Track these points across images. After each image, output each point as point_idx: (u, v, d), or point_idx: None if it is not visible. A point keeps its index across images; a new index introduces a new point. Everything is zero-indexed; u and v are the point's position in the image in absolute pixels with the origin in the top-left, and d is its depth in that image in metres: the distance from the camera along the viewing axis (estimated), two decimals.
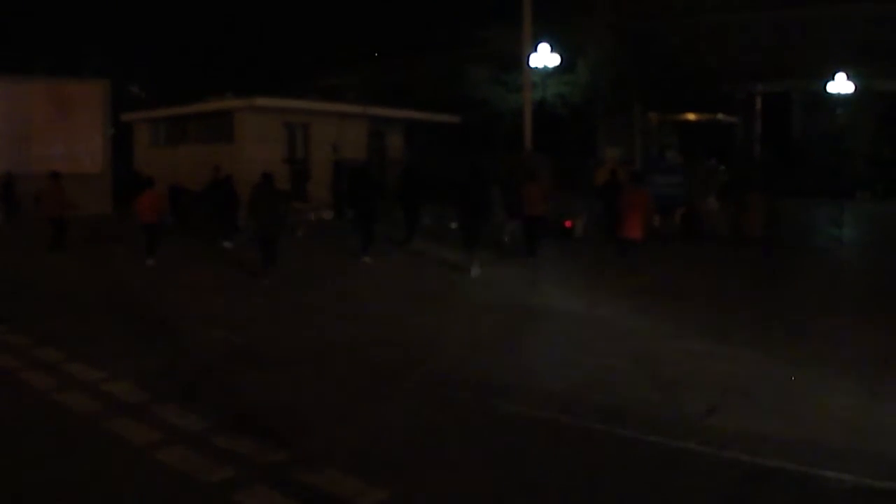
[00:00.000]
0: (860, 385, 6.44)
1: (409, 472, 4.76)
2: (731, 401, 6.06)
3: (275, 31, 37.51)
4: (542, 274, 13.08)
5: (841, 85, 31.91)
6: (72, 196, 15.54)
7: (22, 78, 23.79)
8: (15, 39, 30.86)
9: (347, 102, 27.34)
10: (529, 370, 7.11)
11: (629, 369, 7.04)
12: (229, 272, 12.93)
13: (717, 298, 10.46)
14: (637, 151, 17.91)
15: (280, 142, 23.55)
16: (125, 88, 33.61)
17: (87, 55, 32.32)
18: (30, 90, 23.19)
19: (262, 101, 22.76)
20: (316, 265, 14.09)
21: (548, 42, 24.07)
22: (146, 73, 36.28)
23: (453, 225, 17.53)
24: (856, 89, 31.81)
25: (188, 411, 5.77)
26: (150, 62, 35.24)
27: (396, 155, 26.43)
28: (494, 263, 13.38)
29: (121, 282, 12.17)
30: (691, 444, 5.12)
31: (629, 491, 4.55)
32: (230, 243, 15.78)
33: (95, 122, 24.02)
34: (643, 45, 32.81)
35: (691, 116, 21.30)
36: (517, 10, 19.60)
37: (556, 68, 26.08)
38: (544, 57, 24.15)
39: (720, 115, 23.08)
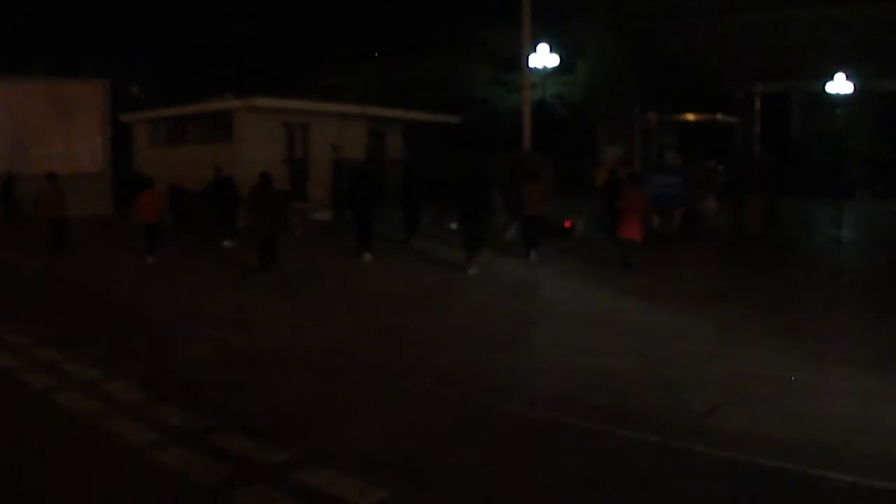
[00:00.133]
0: (860, 385, 6.44)
1: (410, 473, 4.76)
2: (731, 401, 6.06)
3: (275, 31, 37.46)
4: (541, 274, 13.08)
5: (840, 85, 31.90)
6: (67, 198, 15.52)
7: (21, 78, 23.76)
8: (14, 39, 30.83)
9: (347, 103, 27.32)
10: (529, 370, 7.11)
11: (629, 369, 7.04)
12: (229, 272, 12.93)
13: (716, 298, 10.45)
14: (636, 152, 17.91)
15: (279, 142, 23.55)
16: (125, 89, 33.59)
17: (87, 55, 32.29)
18: (29, 90, 23.16)
19: (261, 102, 22.75)
20: (315, 265, 14.08)
21: (547, 42, 24.07)
22: (146, 73, 36.25)
23: (453, 225, 17.53)
24: (855, 89, 31.80)
25: (188, 411, 5.77)
26: (149, 62, 35.20)
27: (396, 155, 26.43)
28: (495, 263, 13.38)
29: (121, 281, 12.17)
30: (691, 444, 5.12)
31: (629, 491, 4.55)
32: (230, 242, 15.80)
33: (95, 122, 23.99)
34: (642, 46, 32.78)
35: (691, 117, 21.31)
36: (517, 10, 19.58)
37: (555, 68, 26.08)
38: (544, 57, 24.15)
39: (719, 116, 23.07)
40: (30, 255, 15.17)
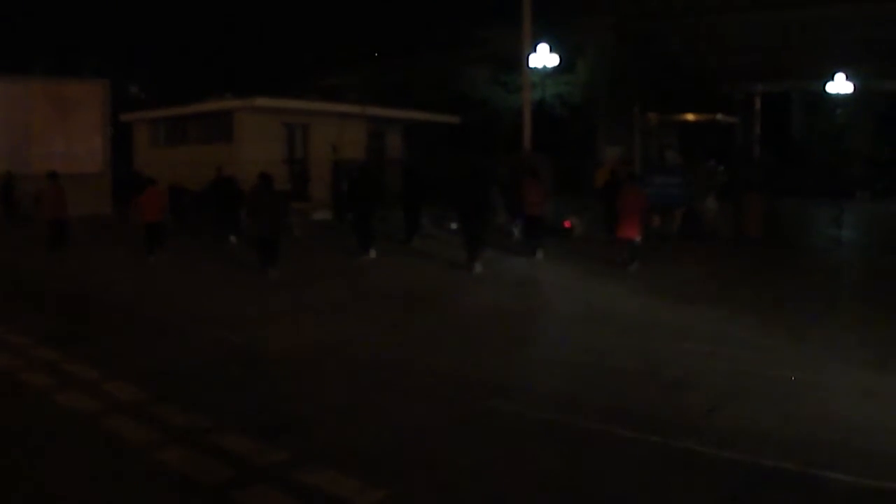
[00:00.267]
0: (860, 384, 6.44)
1: (409, 472, 4.76)
2: (731, 400, 6.06)
3: (274, 31, 37.51)
4: (542, 273, 13.09)
5: (840, 85, 31.91)
6: (68, 196, 15.54)
7: (22, 78, 23.78)
8: (14, 39, 30.85)
9: (347, 102, 27.33)
10: (530, 369, 7.11)
11: (630, 368, 7.04)
12: (229, 272, 12.93)
13: (716, 298, 10.45)
14: (636, 152, 17.90)
15: (279, 142, 23.56)
16: (125, 89, 33.62)
17: (87, 55, 32.31)
18: (29, 90, 23.18)
19: (261, 102, 22.76)
20: (316, 265, 14.09)
21: (547, 42, 24.07)
22: (146, 73, 36.28)
23: (453, 225, 17.55)
24: (855, 89, 31.81)
25: (188, 411, 5.77)
26: (149, 62, 35.23)
27: (396, 155, 26.43)
28: (496, 263, 13.39)
29: (121, 281, 12.17)
30: (691, 443, 5.12)
31: (629, 491, 4.55)
32: (235, 238, 15.91)
33: (95, 122, 24.01)
34: (642, 46, 32.82)
35: (691, 117, 21.27)
36: (517, 10, 19.60)
37: (555, 68, 26.08)
38: (544, 57, 24.15)
39: (720, 116, 23.04)
40: (30, 254, 15.18)
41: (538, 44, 23.46)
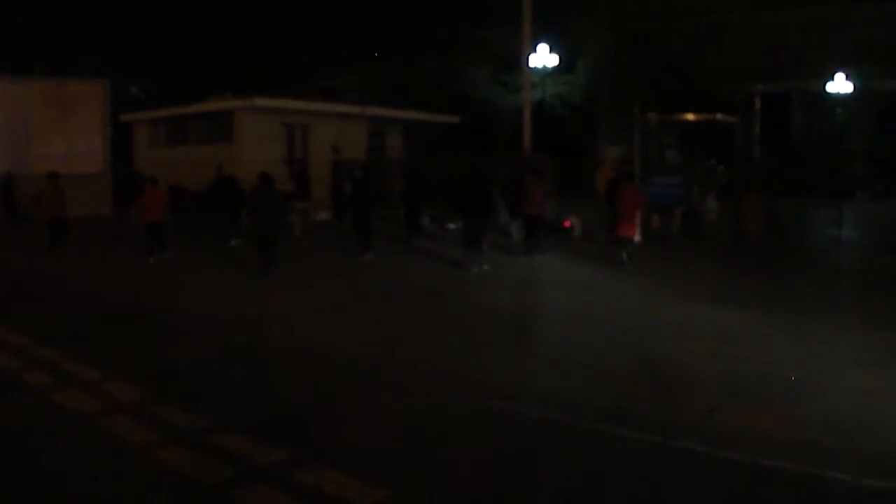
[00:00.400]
0: (860, 384, 6.44)
1: (409, 472, 4.76)
2: (731, 400, 6.06)
3: (275, 31, 37.49)
4: (541, 273, 13.09)
5: (840, 85, 31.92)
6: (68, 197, 15.55)
7: (22, 78, 23.78)
8: (14, 39, 30.85)
9: (347, 103, 27.31)
10: (529, 369, 7.10)
11: (630, 368, 7.05)
12: (228, 272, 12.93)
13: (716, 298, 10.44)
14: (636, 151, 17.89)
15: (279, 142, 23.54)
16: (125, 89, 33.60)
17: (87, 55, 32.30)
18: (29, 90, 23.18)
19: (261, 102, 22.75)
20: (316, 265, 14.09)
21: (547, 42, 24.07)
22: (146, 73, 36.26)
23: (452, 225, 17.56)
24: (855, 89, 31.82)
25: (188, 411, 5.78)
26: (149, 62, 35.21)
27: (396, 155, 26.42)
28: (495, 262, 13.38)
29: (121, 281, 12.18)
30: (691, 444, 5.12)
31: (629, 491, 4.55)
32: (236, 241, 15.89)
33: (95, 122, 24.01)
34: (642, 45, 32.83)
35: (691, 116, 21.28)
36: (517, 10, 19.60)
37: (555, 68, 26.09)
38: (544, 57, 24.15)
39: (719, 115, 23.05)
40: (30, 254, 15.17)
41: (538, 44, 23.47)
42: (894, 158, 30.65)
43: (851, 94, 31.96)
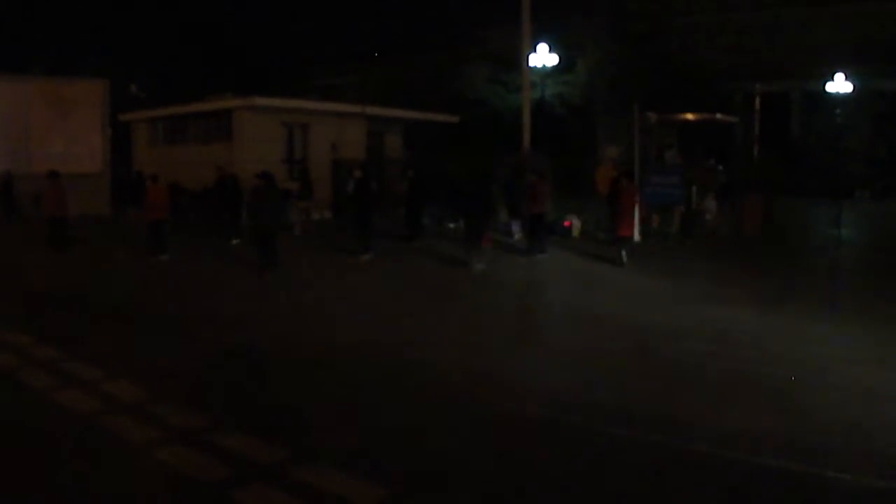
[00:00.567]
0: (860, 384, 6.45)
1: (409, 472, 4.76)
2: (731, 400, 6.07)
3: (274, 31, 37.46)
4: (541, 272, 13.09)
5: (840, 85, 31.91)
6: (69, 196, 15.53)
7: (21, 77, 23.73)
8: (14, 39, 30.80)
9: (346, 102, 27.29)
10: (529, 369, 7.11)
11: (630, 368, 7.05)
12: (228, 271, 12.92)
13: (716, 297, 10.45)
14: (636, 151, 17.89)
15: (279, 141, 23.52)
16: (124, 88, 33.55)
17: (86, 55, 32.25)
18: (28, 90, 23.12)
19: (260, 101, 22.73)
20: (316, 264, 14.07)
21: (546, 42, 24.04)
22: (145, 72, 36.21)
23: (451, 224, 17.55)
24: (854, 89, 31.81)
25: (188, 411, 5.77)
26: (149, 62, 35.18)
27: (395, 154, 26.41)
28: (496, 262, 13.39)
29: (120, 281, 12.16)
30: (691, 443, 5.12)
31: (629, 491, 4.55)
32: (237, 241, 15.89)
33: (94, 121, 23.95)
34: (642, 45, 32.83)
35: (690, 116, 21.30)
36: (516, 9, 19.59)
37: (554, 68, 26.06)
38: (543, 56, 24.12)
39: (719, 115, 23.08)
40: (30, 254, 15.15)
41: (538, 43, 23.44)
42: (893, 158, 30.67)
43: (851, 94, 31.96)
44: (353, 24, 37.36)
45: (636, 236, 15.20)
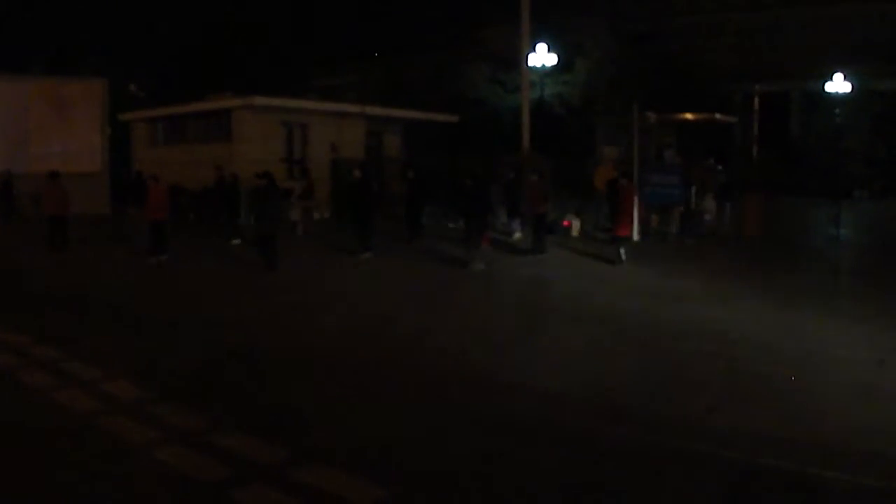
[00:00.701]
0: (860, 384, 6.45)
1: (409, 472, 4.76)
2: (730, 400, 6.07)
3: (274, 31, 37.44)
4: (541, 272, 13.08)
5: (839, 85, 31.92)
6: (70, 195, 15.53)
7: (20, 77, 23.72)
8: (12, 38, 30.77)
9: (346, 102, 27.29)
10: (528, 368, 7.11)
11: (630, 368, 7.05)
12: (228, 271, 12.92)
13: (716, 297, 10.45)
14: (635, 151, 17.90)
15: (278, 141, 23.52)
16: (123, 87, 33.53)
17: (86, 54, 32.24)
18: (28, 89, 23.11)
19: (260, 101, 22.71)
20: (316, 264, 14.06)
21: (546, 41, 24.05)
22: (144, 72, 36.18)
23: (451, 224, 17.55)
24: (854, 89, 31.82)
25: (188, 411, 5.77)
26: (148, 61, 35.15)
27: (395, 154, 26.41)
28: (495, 261, 13.39)
29: (120, 280, 12.16)
30: (691, 443, 5.12)
31: (629, 491, 4.55)
32: (237, 241, 15.88)
33: (94, 121, 23.94)
34: (641, 45, 32.84)
35: (689, 116, 21.33)
36: (515, 9, 19.59)
37: (553, 68, 26.06)
38: (542, 56, 24.13)
39: (718, 115, 23.10)
40: (30, 253, 15.14)
41: (537, 43, 23.45)
42: (892, 158, 30.67)
43: (850, 94, 31.97)
44: (353, 24, 37.34)
45: (635, 236, 15.20)
